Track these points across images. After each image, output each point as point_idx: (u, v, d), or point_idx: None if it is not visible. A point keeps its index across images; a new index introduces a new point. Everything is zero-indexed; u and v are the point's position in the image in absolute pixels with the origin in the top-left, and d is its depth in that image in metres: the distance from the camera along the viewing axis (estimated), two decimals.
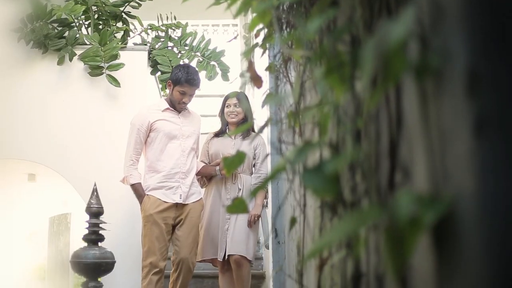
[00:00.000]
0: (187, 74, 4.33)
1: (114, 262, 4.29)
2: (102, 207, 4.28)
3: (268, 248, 4.31)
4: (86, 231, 4.27)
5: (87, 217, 4.28)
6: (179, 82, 4.32)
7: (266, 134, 4.53)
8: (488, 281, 0.55)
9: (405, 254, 0.60)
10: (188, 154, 4.37)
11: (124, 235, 4.96)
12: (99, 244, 4.27)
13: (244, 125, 1.43)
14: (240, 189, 4.42)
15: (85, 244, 4.27)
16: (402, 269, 0.68)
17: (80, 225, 5.33)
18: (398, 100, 0.83)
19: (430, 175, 0.68)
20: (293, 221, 1.48)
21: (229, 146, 4.53)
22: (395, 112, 0.83)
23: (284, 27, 1.80)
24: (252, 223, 4.34)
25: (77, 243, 6.46)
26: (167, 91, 4.60)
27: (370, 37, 0.88)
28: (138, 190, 4.30)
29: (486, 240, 0.55)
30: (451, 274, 0.62)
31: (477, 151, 0.56)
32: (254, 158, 4.51)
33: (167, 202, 4.25)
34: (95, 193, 4.28)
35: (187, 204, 4.32)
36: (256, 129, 4.59)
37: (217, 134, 4.66)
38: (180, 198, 4.29)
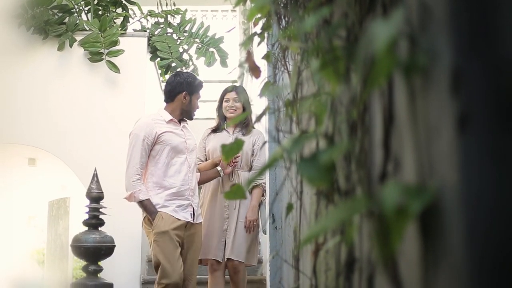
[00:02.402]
0: (197, 79, 4.11)
1: (114, 246, 4.33)
2: (102, 192, 4.30)
3: (265, 234, 4.32)
4: (86, 216, 4.29)
5: (86, 201, 4.30)
6: (198, 89, 4.06)
7: (264, 122, 4.52)
8: (469, 266, 0.58)
9: (393, 241, 0.64)
10: (193, 169, 4.06)
11: (124, 220, 5.00)
12: (99, 228, 4.31)
13: (241, 115, 1.43)
14: None
15: (85, 228, 4.30)
16: (391, 256, 0.72)
17: (79, 210, 5.37)
18: (390, 94, 0.86)
19: (418, 167, 0.72)
20: (289, 207, 1.51)
21: (227, 141, 4.24)
22: (388, 105, 0.86)
23: (282, 17, 1.82)
24: (251, 230, 4.21)
25: (76, 227, 6.51)
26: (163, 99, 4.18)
27: (364, 34, 0.91)
28: (148, 207, 3.88)
29: (468, 229, 0.58)
30: (436, 260, 0.66)
31: (460, 145, 0.59)
32: (252, 155, 4.34)
33: (180, 220, 3.90)
34: (96, 178, 4.30)
35: (194, 224, 4.01)
36: (253, 119, 4.48)
37: (215, 130, 4.47)
38: (191, 217, 3.97)
